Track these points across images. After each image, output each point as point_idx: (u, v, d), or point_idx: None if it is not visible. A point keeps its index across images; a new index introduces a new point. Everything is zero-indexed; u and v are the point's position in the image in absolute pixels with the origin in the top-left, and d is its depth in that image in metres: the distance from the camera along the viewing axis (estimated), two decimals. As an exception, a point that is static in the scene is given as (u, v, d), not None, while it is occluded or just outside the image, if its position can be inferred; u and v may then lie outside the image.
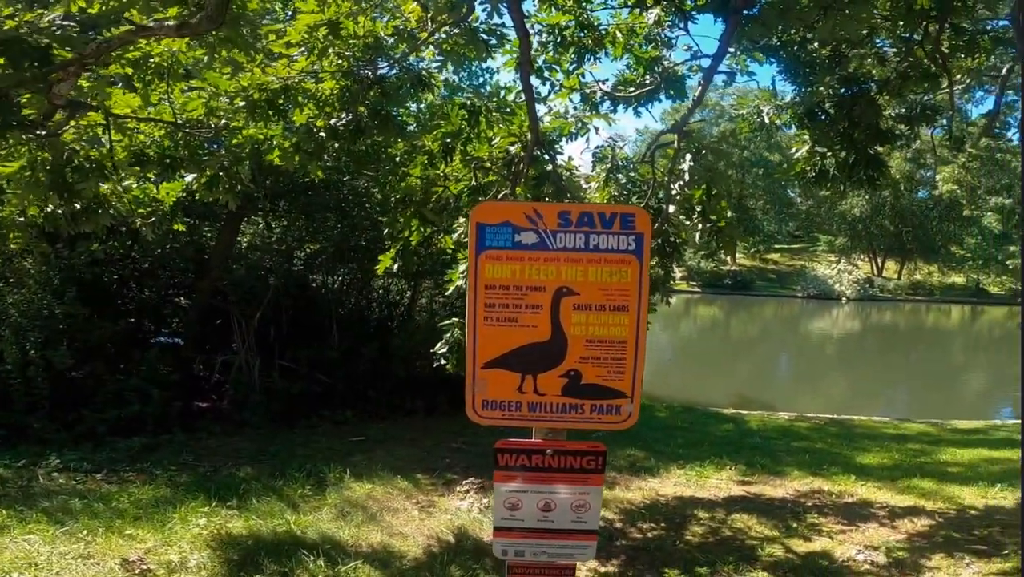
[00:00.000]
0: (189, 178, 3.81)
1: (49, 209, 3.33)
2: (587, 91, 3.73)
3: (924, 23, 4.01)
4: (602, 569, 3.26)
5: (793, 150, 4.55)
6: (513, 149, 3.41)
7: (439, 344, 4.09)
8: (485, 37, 3.08)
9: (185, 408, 5.98)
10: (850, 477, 4.99)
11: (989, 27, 4.89)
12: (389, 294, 8.19)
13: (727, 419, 7.95)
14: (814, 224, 32.70)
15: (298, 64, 3.44)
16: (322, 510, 3.85)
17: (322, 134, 3.38)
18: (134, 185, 3.83)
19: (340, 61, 3.52)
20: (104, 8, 2.39)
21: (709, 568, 3.23)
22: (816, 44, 4.36)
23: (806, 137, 4.44)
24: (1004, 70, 6.95)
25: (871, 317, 24.98)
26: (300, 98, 3.60)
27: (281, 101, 3.54)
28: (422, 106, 4.49)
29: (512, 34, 3.14)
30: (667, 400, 8.87)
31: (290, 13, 3.91)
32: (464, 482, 4.60)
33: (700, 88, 3.59)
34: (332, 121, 3.43)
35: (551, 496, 2.07)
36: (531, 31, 3.34)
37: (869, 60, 4.62)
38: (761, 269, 31.72)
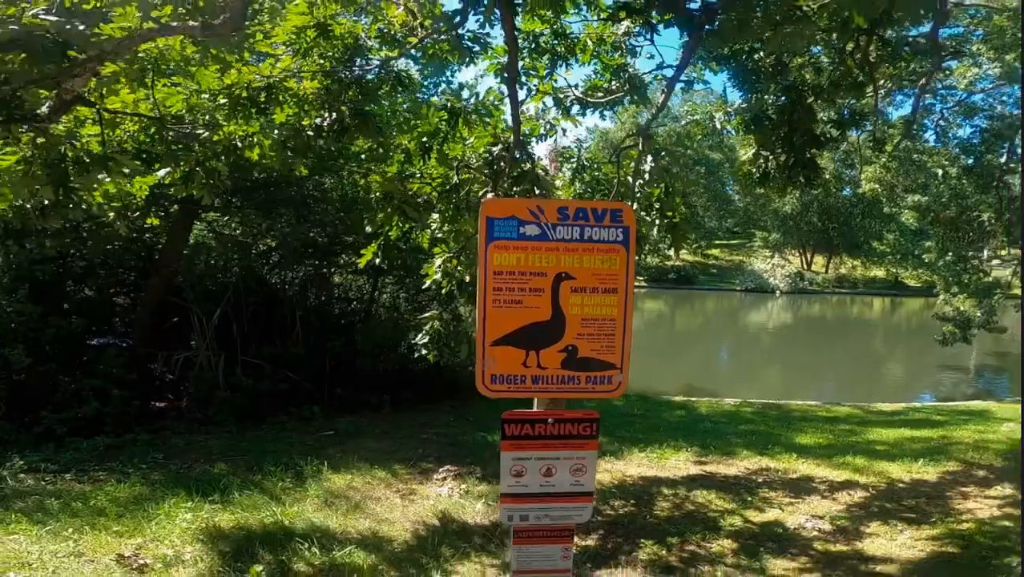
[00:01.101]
0: (162, 173, 3.79)
1: (19, 203, 3.27)
2: (560, 95, 3.94)
3: (856, 35, 4.48)
4: (583, 542, 3.50)
5: (740, 153, 4.94)
6: (495, 150, 3.59)
7: (420, 336, 4.24)
8: (470, 44, 3.24)
9: (142, 408, 5.86)
10: (792, 456, 5.45)
11: (910, 38, 5.47)
12: (350, 291, 8.19)
13: (679, 406, 8.41)
14: (751, 221, 34.37)
15: (283, 63, 3.50)
16: (306, 501, 3.92)
17: (309, 132, 3.45)
18: (107, 179, 3.78)
19: (322, 61, 3.61)
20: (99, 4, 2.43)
21: (679, 537, 3.53)
22: (761, 54, 4.77)
23: (752, 141, 4.84)
24: (923, 79, 7.69)
25: (802, 309, 26.59)
26: (282, 96, 3.65)
27: (263, 99, 3.59)
28: (403, 106, 4.59)
29: (496, 41, 3.32)
30: (630, 390, 9.26)
31: (269, 16, 3.94)
32: (441, 470, 4.74)
33: (664, 95, 3.87)
34: (318, 120, 3.50)
35: (552, 462, 2.30)
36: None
37: (806, 70, 5.08)
38: (703, 264, 33.10)
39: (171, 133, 3.65)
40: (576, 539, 3.57)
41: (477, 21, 3.03)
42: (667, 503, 4.19)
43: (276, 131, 3.56)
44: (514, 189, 3.62)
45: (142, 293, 7.07)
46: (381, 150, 4.61)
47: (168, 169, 3.76)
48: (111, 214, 3.83)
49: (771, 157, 4.70)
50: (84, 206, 3.62)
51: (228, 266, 7.43)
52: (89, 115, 2.94)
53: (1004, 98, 12.25)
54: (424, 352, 4.14)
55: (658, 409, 8.10)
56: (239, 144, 3.85)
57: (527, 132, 4.27)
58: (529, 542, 2.39)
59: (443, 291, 4.37)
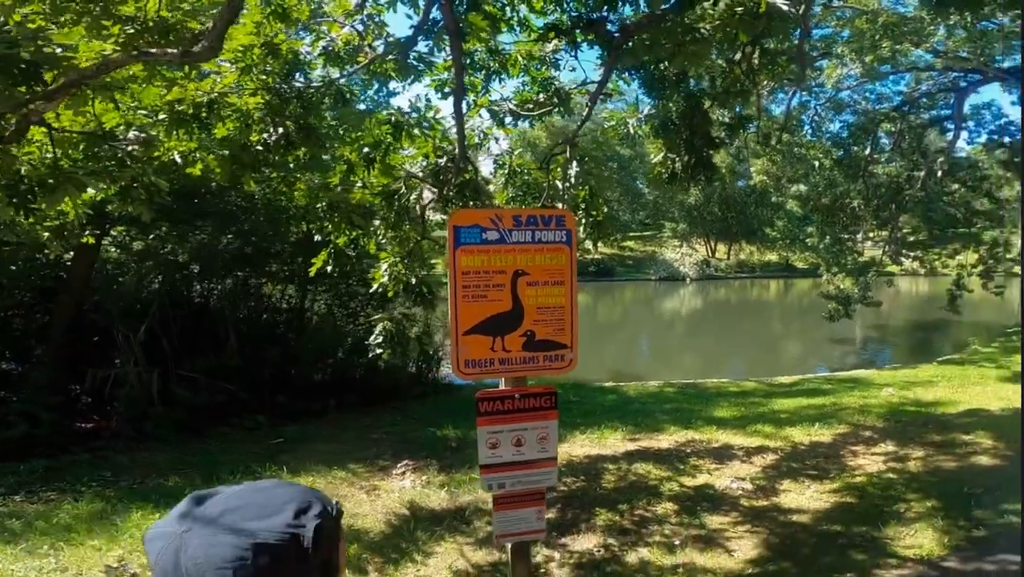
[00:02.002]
0: (94, 191, 3.73)
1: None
2: (495, 108, 4.26)
3: (742, 48, 5.14)
4: (550, 514, 3.85)
5: (651, 155, 5.49)
6: (442, 161, 3.85)
7: (373, 337, 4.42)
8: (415, 64, 3.48)
9: (69, 429, 5.60)
10: (712, 428, 6.09)
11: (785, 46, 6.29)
12: (282, 300, 8.10)
13: (610, 391, 9.00)
14: (660, 212, 36.40)
15: (226, 79, 3.57)
16: (269, 506, 4.00)
17: (259, 147, 3.55)
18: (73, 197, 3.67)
19: (264, 77, 3.71)
20: (47, 22, 2.47)
21: (628, 505, 3.96)
22: (666, 64, 5.34)
23: (661, 144, 5.40)
24: (795, 81, 8.73)
25: (709, 294, 28.57)
26: (224, 112, 3.72)
27: (205, 114, 3.64)
28: (344, 120, 4.71)
29: (438, 60, 3.58)
30: (558, 379, 9.75)
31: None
32: (399, 465, 4.93)
33: (588, 107, 4.30)
34: (265, 136, 3.61)
35: (521, 433, 2.67)
36: (448, 57, 3.79)
37: (703, 79, 5.72)
38: (620, 256, 34.64)
39: (106, 149, 3.61)
40: (536, 513, 3.94)
41: (427, 45, 3.29)
42: (612, 476, 4.64)
43: (224, 146, 3.61)
44: (461, 197, 3.91)
45: (49, 315, 6.67)
46: (309, 159, 4.72)
47: (103, 186, 3.71)
48: (45, 234, 3.70)
49: (677, 159, 5.27)
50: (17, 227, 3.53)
51: (146, 281, 7.14)
52: (38, 135, 2.90)
53: (867, 94, 13.96)
54: (379, 351, 4.33)
55: (592, 395, 8.64)
56: (178, 160, 3.87)
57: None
58: (508, 507, 2.73)
59: (390, 293, 4.58)
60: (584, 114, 4.39)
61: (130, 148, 3.64)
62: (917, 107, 13.19)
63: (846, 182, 13.00)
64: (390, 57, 3.39)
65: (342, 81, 3.74)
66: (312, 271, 4.40)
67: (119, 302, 6.43)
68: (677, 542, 3.40)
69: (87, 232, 4.80)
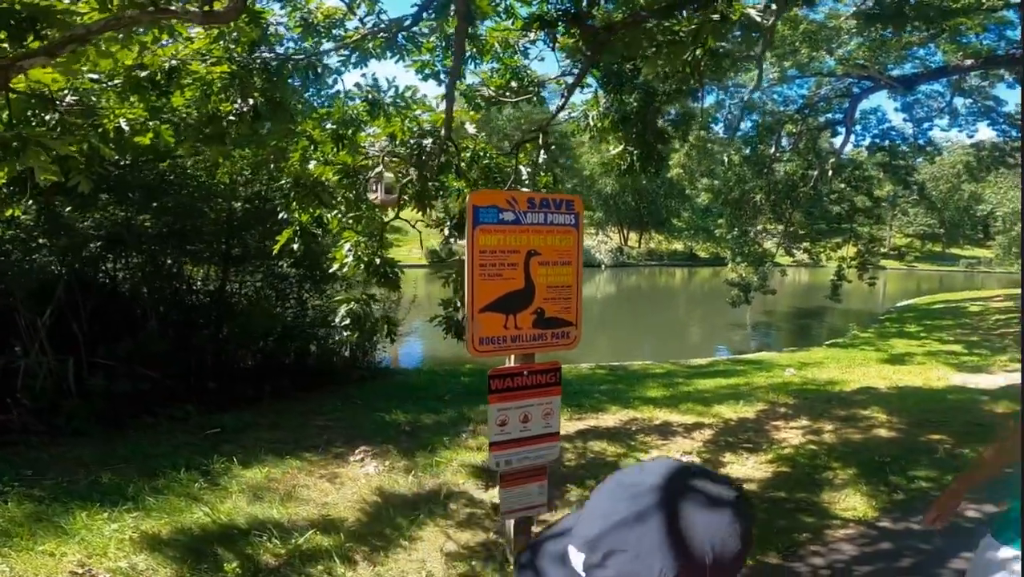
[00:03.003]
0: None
1: None
2: (473, 93, 4.24)
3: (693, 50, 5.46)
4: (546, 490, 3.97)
5: (610, 149, 5.71)
6: (427, 142, 3.79)
7: (338, 318, 4.30)
8: (403, 43, 3.38)
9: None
10: (650, 406, 6.49)
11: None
12: (209, 282, 7.56)
13: (567, 372, 9.27)
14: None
15: (195, 45, 3.29)
16: (231, 498, 3.80)
17: (232, 117, 3.32)
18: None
19: (233, 46, 3.46)
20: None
21: (595, 480, 4.16)
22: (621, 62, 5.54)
23: (619, 137, 5.62)
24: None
25: (623, 281, 29.98)
26: (185, 79, 3.43)
27: (164, 81, 3.34)
28: (316, 95, 4.46)
29: (424, 41, 3.50)
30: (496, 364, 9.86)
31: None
32: (356, 452, 4.84)
33: (564, 98, 4.39)
34: (236, 106, 3.37)
35: (528, 409, 2.78)
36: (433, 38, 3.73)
37: (656, 78, 6.00)
38: (536, 242, 35.28)
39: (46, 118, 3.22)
40: (508, 493, 4.05)
41: (430, 26, 3.19)
42: (572, 454, 4.84)
43: (192, 118, 3.33)
44: (442, 177, 3.89)
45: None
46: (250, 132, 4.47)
47: (72, 149, 3.32)
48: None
49: (635, 152, 5.52)
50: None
51: (42, 259, 6.37)
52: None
53: (775, 96, 15.14)
54: (346, 333, 4.23)
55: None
56: (125, 128, 3.52)
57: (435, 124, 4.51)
58: (513, 484, 2.83)
59: (350, 274, 4.47)
60: (559, 104, 4.46)
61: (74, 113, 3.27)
62: (815, 110, 14.51)
63: (753, 178, 14.09)
64: (382, 34, 3.27)
65: (325, 55, 3.55)
66: (275, 248, 4.19)
67: (20, 282, 5.71)
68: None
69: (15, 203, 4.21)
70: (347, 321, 4.13)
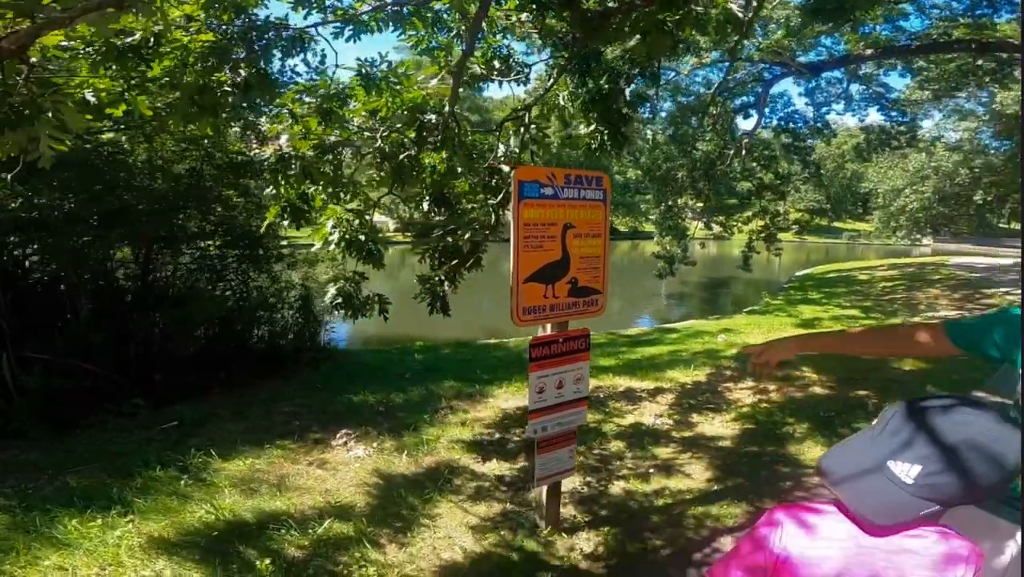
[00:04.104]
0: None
1: None
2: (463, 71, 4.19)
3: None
4: (517, 465, 4.10)
5: (581, 127, 5.83)
6: (433, 117, 3.73)
7: (329, 297, 4.19)
8: (408, 16, 3.28)
9: None
10: (609, 374, 6.81)
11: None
12: (150, 267, 6.97)
13: (495, 348, 9.41)
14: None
15: (184, 8, 3.02)
16: (225, 493, 3.64)
17: (227, 87, 3.10)
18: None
19: (222, 15, 3.23)
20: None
21: (584, 445, 4.37)
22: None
23: (590, 117, 5.76)
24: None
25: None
26: (166, 47, 3.16)
27: (145, 50, 3.06)
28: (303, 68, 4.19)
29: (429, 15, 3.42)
30: (440, 339, 9.87)
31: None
32: (338, 435, 4.74)
33: (553, 79, 4.44)
34: (231, 77, 3.15)
35: (562, 375, 2.94)
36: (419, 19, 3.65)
37: (623, 61, 6.18)
38: (458, 217, 35.06)
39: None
40: (507, 462, 4.18)
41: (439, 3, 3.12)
42: (553, 425, 5.03)
43: (181, 88, 3.06)
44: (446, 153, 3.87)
45: None
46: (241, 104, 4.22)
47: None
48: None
49: (605, 130, 5.69)
50: None
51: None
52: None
53: (698, 79, 15.87)
54: (339, 313, 4.14)
55: (481, 351, 8.97)
56: (91, 99, 3.20)
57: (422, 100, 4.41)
58: (548, 450, 2.98)
59: (336, 253, 4.34)
60: (545, 85, 4.51)
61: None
62: (732, 94, 15.42)
63: (679, 156, 14.82)
64: (392, 7, 3.15)
65: (319, 27, 3.35)
66: (263, 227, 3.98)
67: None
68: (649, 471, 3.92)
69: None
70: (339, 300, 4.03)
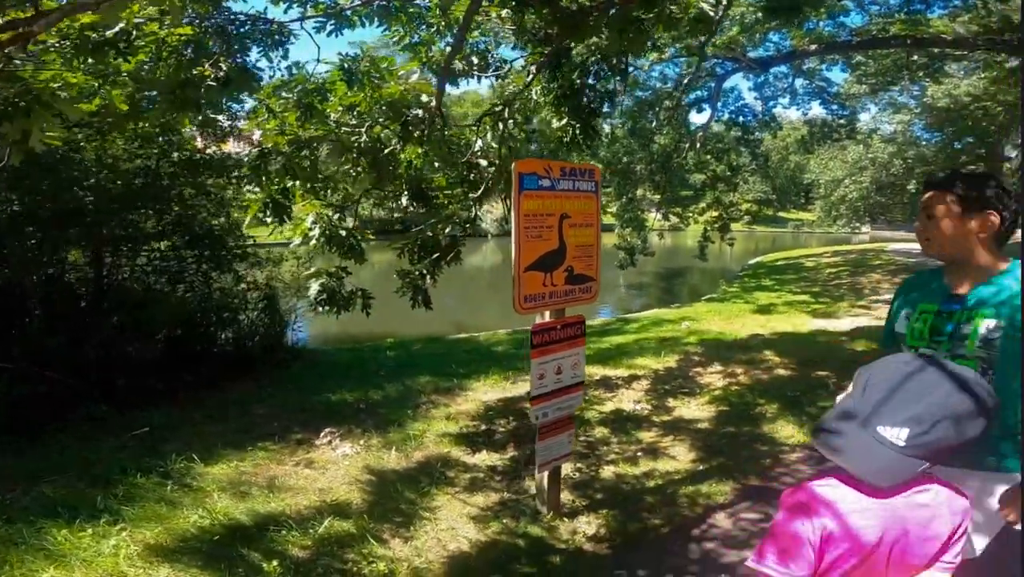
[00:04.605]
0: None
1: None
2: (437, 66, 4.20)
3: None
4: (507, 456, 4.17)
5: (553, 122, 5.91)
6: (420, 112, 3.72)
7: (312, 291, 4.13)
8: (395, 12, 3.27)
9: None
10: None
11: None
12: (106, 270, 6.67)
13: (467, 341, 9.44)
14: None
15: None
16: (214, 497, 3.56)
17: (211, 82, 3.02)
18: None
19: (195, 5, 3.14)
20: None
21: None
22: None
23: (561, 112, 5.84)
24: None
25: (508, 249, 30.60)
26: (139, 41, 3.06)
27: (123, 43, 2.95)
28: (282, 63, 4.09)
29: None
30: (408, 336, 9.82)
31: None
32: (321, 435, 4.68)
33: (532, 75, 4.50)
34: (213, 71, 3.07)
35: (561, 361, 3.03)
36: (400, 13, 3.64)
37: (593, 56, 6.29)
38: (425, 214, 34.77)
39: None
40: (497, 453, 4.25)
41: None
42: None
43: (165, 84, 2.96)
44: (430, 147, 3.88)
45: None
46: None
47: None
48: None
49: (577, 125, 5.79)
50: None
51: None
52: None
53: (654, 74, 16.22)
54: (321, 309, 4.09)
55: (452, 346, 8.98)
56: (63, 95, 3.08)
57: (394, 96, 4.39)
58: (548, 436, 3.07)
59: (314, 247, 4.29)
60: (525, 81, 4.56)
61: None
62: (687, 88, 15.85)
63: (638, 150, 15.15)
64: (379, 4, 3.13)
65: (300, 22, 3.29)
66: (247, 224, 3.90)
67: None
68: (637, 455, 4.06)
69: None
70: (323, 296, 3.99)
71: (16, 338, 5.36)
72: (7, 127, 1.92)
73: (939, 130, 21.26)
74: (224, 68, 3.18)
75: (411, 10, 3.54)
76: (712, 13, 4.03)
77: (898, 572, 1.23)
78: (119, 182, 6.41)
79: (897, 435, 1.18)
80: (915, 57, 13.85)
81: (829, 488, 1.27)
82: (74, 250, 6.55)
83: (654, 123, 15.46)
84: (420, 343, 9.37)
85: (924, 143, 23.50)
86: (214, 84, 3.03)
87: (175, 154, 7.01)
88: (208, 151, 7.25)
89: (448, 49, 4.48)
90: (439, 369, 7.07)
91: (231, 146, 7.96)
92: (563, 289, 3.01)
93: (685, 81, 15.85)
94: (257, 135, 3.96)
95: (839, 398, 1.36)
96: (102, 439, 4.77)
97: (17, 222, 5.55)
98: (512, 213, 2.75)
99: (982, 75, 16.40)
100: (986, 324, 1.61)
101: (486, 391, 5.96)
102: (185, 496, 3.57)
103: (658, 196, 17.58)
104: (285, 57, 3.50)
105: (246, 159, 3.82)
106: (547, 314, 3.02)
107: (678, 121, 16.07)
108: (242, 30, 3.45)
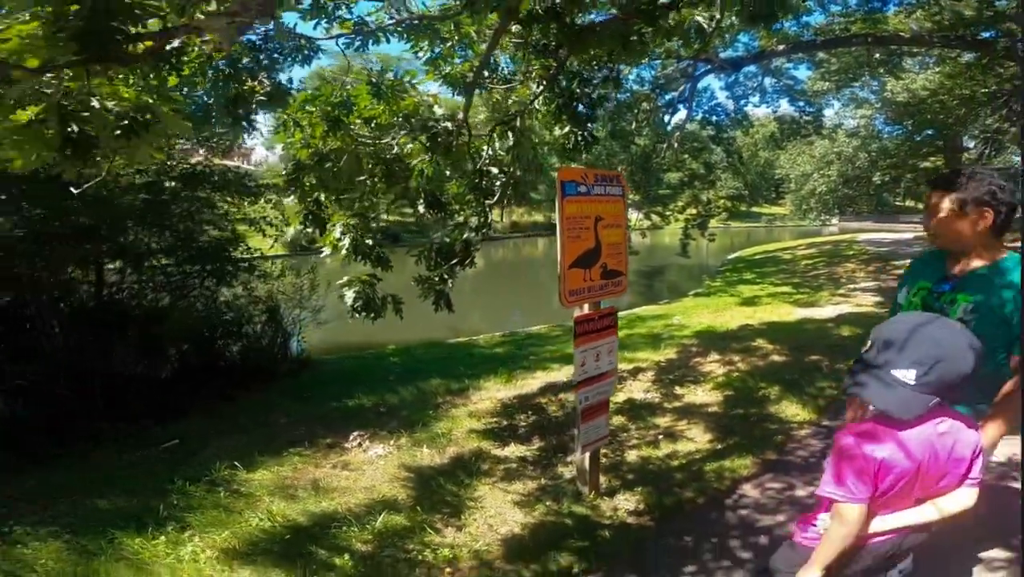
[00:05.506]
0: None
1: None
2: (460, 78, 4.43)
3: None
4: (534, 447, 4.39)
5: (557, 130, 6.18)
6: (448, 125, 3.95)
7: (348, 298, 4.30)
8: (425, 28, 3.49)
9: None
10: (566, 365, 7.15)
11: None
12: (114, 287, 6.72)
13: (467, 345, 9.63)
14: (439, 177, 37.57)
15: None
16: (266, 501, 3.71)
17: (262, 97, 3.21)
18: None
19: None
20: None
21: (592, 422, 4.72)
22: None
23: (564, 119, 6.12)
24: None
25: (491, 253, 30.89)
26: (194, 53, 3.23)
27: (175, 59, 3.11)
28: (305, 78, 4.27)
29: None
30: (403, 341, 9.96)
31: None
32: (351, 438, 4.84)
33: (543, 86, 4.76)
34: (260, 86, 3.26)
35: (599, 349, 3.30)
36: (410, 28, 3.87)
37: (586, 66, 6.59)
38: (402, 223, 34.80)
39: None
40: (524, 445, 4.47)
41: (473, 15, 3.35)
42: (553, 407, 5.35)
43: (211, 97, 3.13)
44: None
45: None
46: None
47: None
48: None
49: (580, 131, 6.07)
50: None
51: None
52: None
53: (631, 76, 16.60)
54: (357, 315, 4.26)
55: (457, 350, 9.17)
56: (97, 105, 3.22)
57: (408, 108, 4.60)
58: (589, 419, 3.33)
59: (343, 257, 4.47)
60: (533, 93, 4.82)
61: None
62: (663, 89, 16.33)
63: (620, 151, 15.55)
64: (414, 21, 3.34)
65: (330, 38, 3.48)
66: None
67: None
68: (658, 438, 4.33)
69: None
70: (359, 303, 4.16)
71: (34, 358, 5.39)
72: (133, 142, 2.04)
73: (899, 124, 22.17)
74: (267, 84, 3.36)
75: (437, 27, 3.75)
76: (706, 26, 4.33)
77: (936, 489, 1.53)
78: (127, 198, 6.48)
79: (906, 376, 1.50)
80: (876, 55, 14.52)
81: (864, 428, 1.57)
82: (82, 268, 6.59)
83: (633, 124, 15.88)
84: (421, 348, 9.53)
85: (886, 136, 24.49)
86: (264, 99, 3.21)
87: (179, 168, 7.11)
88: (208, 166, 7.35)
89: (461, 63, 4.72)
90: (447, 372, 7.25)
91: (235, 161, 8.08)
92: (599, 283, 3.28)
93: (661, 82, 16.37)
94: (259, 151, 4.12)
95: (862, 353, 1.65)
96: (133, 453, 4.88)
97: (30, 240, 5.59)
98: (557, 217, 3.01)
99: (936, 70, 17.21)
100: (964, 306, 1.91)
101: (498, 390, 6.17)
102: (238, 501, 3.72)
103: (638, 196, 18.05)
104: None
105: (258, 173, 3.97)
106: (586, 306, 3.28)
107: (655, 122, 16.54)
108: (274, 46, 3.62)
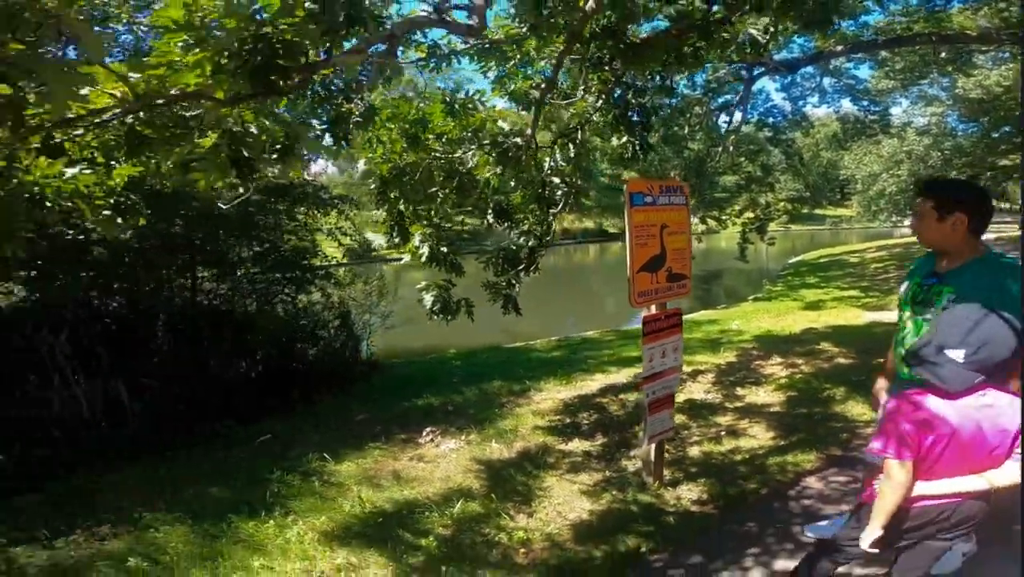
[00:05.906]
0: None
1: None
2: (526, 95, 4.75)
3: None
4: (597, 443, 4.60)
5: (614, 140, 6.41)
6: (519, 140, 4.27)
7: (427, 301, 4.64)
8: (495, 51, 3.84)
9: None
10: (623, 367, 7.29)
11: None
12: (210, 294, 7.39)
13: (526, 349, 9.90)
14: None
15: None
16: (354, 489, 4.07)
17: (356, 118, 3.62)
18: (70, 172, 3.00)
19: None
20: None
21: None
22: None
23: (621, 130, 6.33)
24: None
25: (544, 260, 31.17)
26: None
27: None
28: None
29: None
30: (464, 345, 10.33)
31: None
32: (424, 433, 5.18)
33: (602, 100, 5.01)
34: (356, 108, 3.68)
35: (665, 346, 3.49)
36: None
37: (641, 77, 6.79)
38: (457, 231, 35.81)
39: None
40: (587, 441, 4.68)
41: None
42: (615, 406, 5.53)
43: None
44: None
45: None
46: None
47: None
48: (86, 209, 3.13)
49: (637, 141, 6.26)
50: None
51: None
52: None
53: (683, 81, 16.56)
54: (435, 317, 4.59)
55: (515, 354, 9.46)
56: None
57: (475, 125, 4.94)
58: (656, 411, 3.53)
59: (424, 263, 4.82)
60: (591, 106, 5.08)
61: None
62: (715, 93, 16.21)
63: (673, 157, 15.53)
64: (487, 44, 3.69)
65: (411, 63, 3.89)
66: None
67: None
68: (720, 435, 4.45)
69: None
70: (438, 306, 4.50)
71: (150, 361, 6.03)
72: (286, 161, 2.41)
73: (974, 121, 21.04)
74: (362, 105, 3.76)
75: (504, 48, 4.08)
76: (760, 39, 4.46)
77: (988, 460, 1.69)
78: (222, 208, 7.12)
79: (957, 355, 1.72)
80: (942, 53, 13.94)
81: (919, 396, 1.75)
82: (180, 275, 7.27)
83: (686, 129, 15.82)
84: (482, 352, 9.88)
85: (960, 134, 23.25)
86: (359, 120, 3.61)
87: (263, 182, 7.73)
88: (291, 180, 7.95)
89: (523, 80, 5.03)
90: (508, 374, 7.53)
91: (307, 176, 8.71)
92: (665, 286, 3.49)
93: (713, 86, 16.25)
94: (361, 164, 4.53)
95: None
96: (233, 448, 5.38)
97: (137, 251, 6.25)
98: (626, 225, 3.27)
99: (1010, 66, 16.32)
100: (948, 296, 2.09)
101: (559, 391, 6.39)
102: (330, 489, 4.11)
103: (693, 201, 17.83)
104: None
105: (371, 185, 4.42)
106: (653, 307, 3.49)
107: (708, 126, 16.40)
108: (365, 71, 4.02)
